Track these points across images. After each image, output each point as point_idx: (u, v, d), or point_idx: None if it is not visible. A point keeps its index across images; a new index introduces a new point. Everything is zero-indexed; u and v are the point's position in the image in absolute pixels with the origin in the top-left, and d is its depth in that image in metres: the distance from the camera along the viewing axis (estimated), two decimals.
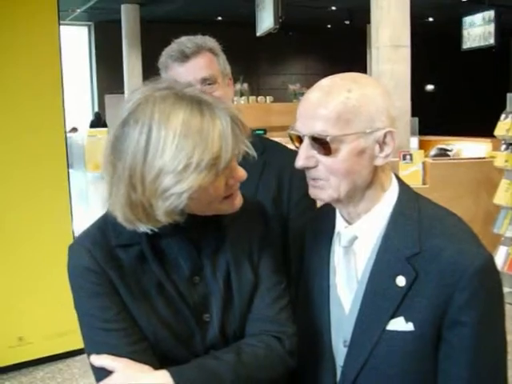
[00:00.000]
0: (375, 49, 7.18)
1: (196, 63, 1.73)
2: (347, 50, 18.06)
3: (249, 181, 1.75)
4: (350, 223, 1.29)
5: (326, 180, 1.22)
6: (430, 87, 21.32)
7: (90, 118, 17.44)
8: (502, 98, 5.86)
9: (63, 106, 4.12)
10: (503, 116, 5.32)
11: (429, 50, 17.19)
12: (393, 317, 1.20)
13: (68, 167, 4.21)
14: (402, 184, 1.31)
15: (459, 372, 1.18)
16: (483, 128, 7.97)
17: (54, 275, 4.04)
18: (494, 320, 1.21)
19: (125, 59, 14.68)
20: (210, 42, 1.79)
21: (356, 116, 1.17)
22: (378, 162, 1.22)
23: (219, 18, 17.32)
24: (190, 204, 1.11)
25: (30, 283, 3.98)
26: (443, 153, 7.72)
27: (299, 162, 1.22)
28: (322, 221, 1.40)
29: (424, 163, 5.66)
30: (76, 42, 17.51)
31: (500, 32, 9.58)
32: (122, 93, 14.74)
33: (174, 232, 1.18)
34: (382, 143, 1.21)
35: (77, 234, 4.42)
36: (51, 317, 4.01)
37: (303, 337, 1.32)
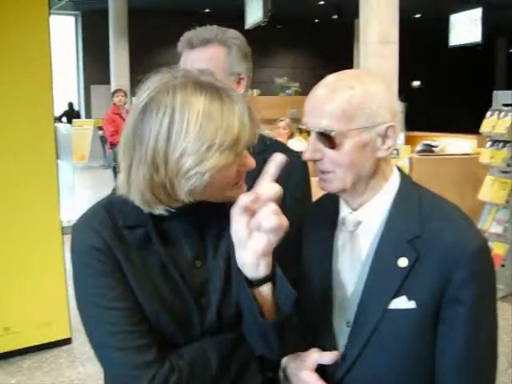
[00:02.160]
0: (363, 44, 7.23)
1: (198, 54, 1.72)
2: (335, 45, 18.12)
3: (248, 179, 1.77)
4: (354, 210, 1.35)
5: (332, 172, 1.28)
6: (416, 83, 21.44)
7: (76, 108, 17.38)
8: (487, 95, 5.93)
9: (52, 95, 4.10)
10: (489, 113, 5.38)
11: (415, 47, 17.27)
12: (395, 296, 1.25)
13: (57, 157, 4.20)
14: (402, 174, 1.38)
15: (455, 349, 1.24)
16: (468, 125, 8.05)
17: (41, 264, 4.05)
18: (489, 299, 1.28)
19: (112, 50, 14.59)
20: (222, 36, 1.75)
21: (359, 112, 1.24)
22: (380, 154, 1.28)
23: (207, 10, 17.28)
24: (206, 187, 1.14)
25: (17, 273, 3.96)
26: (429, 149, 7.78)
27: (306, 155, 1.29)
28: (323, 208, 1.46)
29: (410, 159, 5.72)
30: (63, 32, 17.36)
31: (487, 30, 9.65)
32: (109, 83, 14.68)
33: (179, 215, 1.21)
34: (384, 136, 1.27)
35: (64, 224, 4.42)
36: (38, 306, 3.99)
37: (306, 319, 1.37)
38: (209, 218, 1.26)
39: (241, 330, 1.27)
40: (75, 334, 4.13)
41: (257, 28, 8.58)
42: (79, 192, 9.60)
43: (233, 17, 7.94)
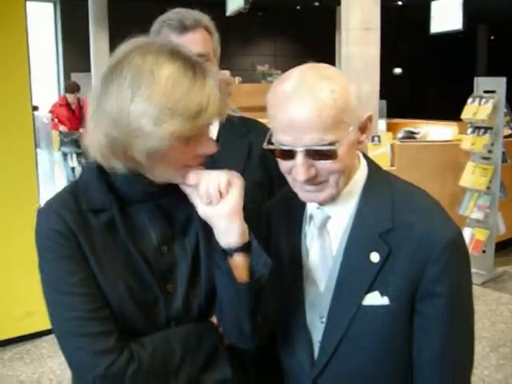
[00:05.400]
0: (345, 31, 7.19)
1: (194, 37, 1.70)
2: (316, 32, 18.04)
3: (236, 163, 1.75)
4: (321, 204, 1.30)
5: (325, 181, 1.21)
6: (397, 71, 21.47)
7: (55, 96, 17.14)
8: (468, 82, 5.94)
9: (30, 84, 4.04)
10: (470, 100, 5.40)
11: (397, 34, 17.29)
12: (368, 291, 1.23)
13: (35, 146, 4.15)
14: (369, 162, 1.33)
15: (432, 342, 1.23)
16: (449, 111, 8.08)
17: (21, 254, 3.98)
18: (465, 290, 1.26)
19: (92, 37, 14.37)
20: (206, 19, 1.76)
21: (346, 114, 1.17)
22: (361, 146, 1.25)
23: None
24: (163, 156, 1.13)
25: None
26: (410, 135, 7.81)
27: (303, 177, 1.18)
28: (288, 204, 1.40)
29: (392, 145, 5.73)
30: (41, 19, 17.08)
31: (468, 17, 9.66)
32: (89, 71, 14.49)
33: (144, 199, 1.21)
34: (363, 128, 1.24)
35: None
36: (19, 297, 3.96)
37: (278, 316, 1.34)
38: (176, 202, 1.25)
39: (209, 321, 1.26)
40: None
41: (238, 15, 8.50)
42: (59, 180, 9.50)
43: (214, 4, 7.88)
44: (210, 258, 1.24)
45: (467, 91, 5.59)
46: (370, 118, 1.24)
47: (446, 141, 6.73)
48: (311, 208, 1.33)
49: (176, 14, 1.73)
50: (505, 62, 18.17)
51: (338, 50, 17.59)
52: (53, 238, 1.16)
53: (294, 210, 1.38)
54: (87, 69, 14.62)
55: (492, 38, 21.37)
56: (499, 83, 5.18)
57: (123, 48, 1.15)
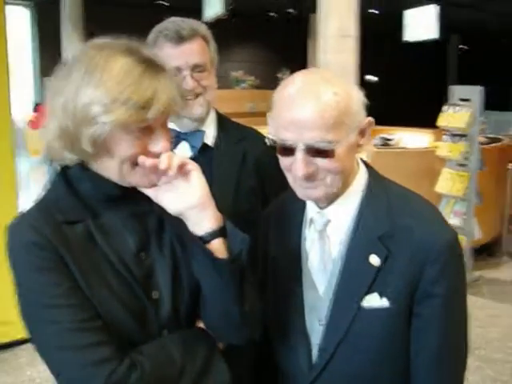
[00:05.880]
0: (323, 39, 7.24)
1: (191, 47, 1.70)
2: (290, 39, 18.14)
3: (230, 170, 1.77)
4: (321, 208, 1.32)
5: (322, 179, 1.24)
6: (371, 78, 21.68)
7: (31, 101, 16.94)
8: (440, 90, 6.06)
9: (8, 89, 4.00)
10: (446, 107, 5.48)
11: (372, 41, 17.49)
12: (367, 293, 1.25)
13: (15, 152, 4.09)
14: (367, 166, 1.36)
15: (429, 342, 1.26)
16: (422, 119, 8.21)
17: None
18: (461, 291, 1.30)
19: (67, 42, 14.25)
20: (203, 28, 1.76)
21: (347, 117, 1.21)
22: (359, 150, 1.28)
23: (164, 2, 17.07)
24: (106, 151, 1.14)
25: None
26: (384, 142, 7.90)
27: (302, 172, 1.21)
28: (288, 208, 1.42)
29: (370, 152, 5.78)
30: (16, 23, 16.86)
31: (443, 26, 9.85)
32: None
33: (112, 204, 1.20)
34: (363, 132, 1.27)
35: None
36: None
37: (276, 320, 1.37)
38: (148, 209, 1.24)
39: (198, 327, 1.26)
40: None
41: (212, 21, 8.52)
42: (34, 186, 9.38)
43: (191, 9, 7.87)
44: (188, 261, 1.23)
45: (439, 99, 5.66)
46: (370, 123, 1.27)
47: (422, 148, 6.82)
48: (312, 212, 1.35)
49: (172, 23, 1.73)
50: (475, 71, 18.52)
51: (311, 57, 17.78)
52: (31, 252, 1.12)
53: (294, 215, 1.40)
54: None
55: (462, 47, 21.75)
56: (475, 92, 5.28)
57: (82, 46, 1.20)
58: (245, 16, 17.53)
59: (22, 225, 1.16)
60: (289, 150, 1.22)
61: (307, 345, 1.34)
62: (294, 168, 1.22)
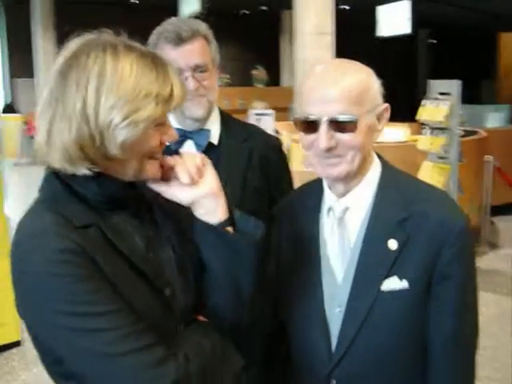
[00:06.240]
0: (300, 36, 7.30)
1: (191, 48, 1.70)
2: (263, 36, 18.15)
3: (237, 169, 1.78)
4: (339, 197, 1.38)
5: (343, 156, 1.30)
6: None
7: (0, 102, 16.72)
8: (410, 84, 6.13)
9: None
10: (425, 101, 5.56)
11: (346, 37, 17.60)
12: (387, 277, 1.30)
13: None
14: (380, 156, 1.43)
15: (446, 321, 1.32)
16: (394, 112, 8.28)
17: None
18: (474, 273, 1.37)
19: (38, 42, 14.07)
20: (204, 27, 1.77)
21: (368, 95, 1.29)
22: (376, 135, 1.34)
23: (137, 2, 16.93)
24: (134, 144, 1.12)
25: None
26: None
27: (324, 145, 1.27)
28: (308, 197, 1.48)
29: None
30: None
31: (415, 21, 9.98)
32: (33, 77, 14.15)
33: (118, 208, 1.18)
34: (380, 118, 1.34)
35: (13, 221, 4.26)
36: None
37: (295, 309, 1.41)
38: (144, 208, 1.25)
39: (203, 320, 1.26)
40: (26, 335, 4.02)
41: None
42: (9, 190, 9.25)
43: (165, 8, 7.84)
44: (188, 252, 1.25)
45: (409, 93, 5.73)
46: (387, 109, 1.35)
47: (402, 142, 6.91)
48: (330, 201, 1.39)
49: (172, 25, 1.73)
50: (445, 64, 18.78)
51: (283, 53, 17.82)
52: (67, 260, 1.05)
53: (313, 203, 1.45)
54: (30, 75, 14.28)
55: (432, 41, 22.02)
56: (453, 85, 5.37)
57: (76, 45, 1.13)
58: (218, 14, 17.50)
59: (40, 234, 1.07)
60: (312, 127, 1.28)
61: (326, 333, 1.37)
62: (317, 143, 1.28)
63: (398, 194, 1.35)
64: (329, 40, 7.26)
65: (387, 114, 1.34)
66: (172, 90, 1.13)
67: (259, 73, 14.65)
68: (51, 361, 1.13)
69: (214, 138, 1.84)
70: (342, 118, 1.26)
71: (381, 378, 1.35)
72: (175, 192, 1.20)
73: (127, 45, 1.15)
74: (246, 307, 1.26)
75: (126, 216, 1.19)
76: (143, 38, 1.69)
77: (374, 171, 1.38)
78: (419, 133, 6.10)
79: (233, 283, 1.22)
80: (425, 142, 5.53)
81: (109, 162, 1.13)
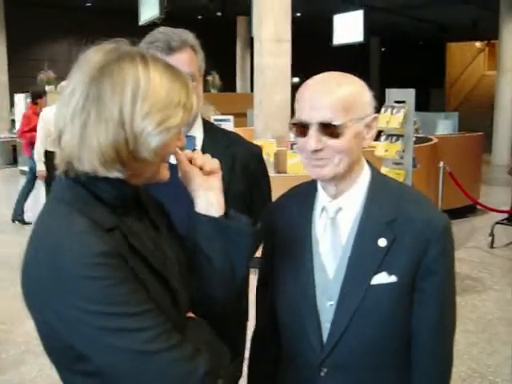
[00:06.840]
0: (258, 42, 7.37)
1: (181, 58, 1.74)
2: (218, 43, 18.19)
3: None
4: (332, 198, 1.48)
5: (330, 159, 1.40)
6: (295, 80, 22.06)
7: None
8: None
9: None
10: (383, 109, 5.73)
11: (301, 45, 17.82)
12: (376, 273, 1.41)
13: None
14: (369, 163, 1.54)
15: (431, 312, 1.44)
16: None
17: None
18: (453, 268, 1.49)
19: None
20: (191, 38, 1.82)
21: (356, 105, 1.39)
22: (365, 143, 1.45)
23: (88, 4, 16.75)
24: (163, 155, 1.21)
25: None
26: None
27: (312, 146, 1.38)
28: (303, 197, 1.58)
29: None
30: None
31: (367, 30, 10.24)
32: None
33: (128, 210, 1.23)
34: (369, 127, 1.44)
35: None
36: None
37: (288, 301, 1.52)
38: (144, 211, 1.31)
39: (195, 316, 1.34)
40: None
41: (149, 24, 8.50)
42: None
43: (125, 11, 7.82)
44: (180, 243, 1.36)
45: None
46: (376, 119, 1.45)
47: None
48: (324, 201, 1.50)
49: (163, 34, 1.78)
50: (396, 72, 19.24)
51: (239, 60, 17.90)
52: (106, 262, 1.08)
53: (307, 203, 1.55)
54: None
55: (384, 50, 22.52)
56: (409, 94, 5.56)
57: (103, 53, 1.16)
58: (174, 19, 17.46)
59: (84, 234, 1.10)
60: (304, 130, 1.40)
61: (318, 324, 1.47)
62: (308, 145, 1.39)
63: (386, 196, 1.47)
64: (287, 47, 7.36)
65: (376, 124, 1.44)
66: (193, 99, 1.21)
67: (213, 78, 14.72)
68: (72, 358, 1.16)
69: (198, 145, 1.89)
70: (328, 123, 1.37)
71: (369, 366, 1.45)
72: (195, 175, 1.34)
73: (152, 55, 1.21)
74: (237, 290, 1.41)
75: (133, 219, 1.24)
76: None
77: (365, 175, 1.49)
78: (377, 139, 6.27)
79: (229, 268, 1.33)
80: (381, 148, 5.70)
81: (136, 164, 1.18)
